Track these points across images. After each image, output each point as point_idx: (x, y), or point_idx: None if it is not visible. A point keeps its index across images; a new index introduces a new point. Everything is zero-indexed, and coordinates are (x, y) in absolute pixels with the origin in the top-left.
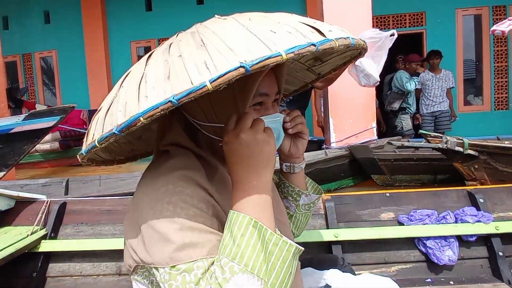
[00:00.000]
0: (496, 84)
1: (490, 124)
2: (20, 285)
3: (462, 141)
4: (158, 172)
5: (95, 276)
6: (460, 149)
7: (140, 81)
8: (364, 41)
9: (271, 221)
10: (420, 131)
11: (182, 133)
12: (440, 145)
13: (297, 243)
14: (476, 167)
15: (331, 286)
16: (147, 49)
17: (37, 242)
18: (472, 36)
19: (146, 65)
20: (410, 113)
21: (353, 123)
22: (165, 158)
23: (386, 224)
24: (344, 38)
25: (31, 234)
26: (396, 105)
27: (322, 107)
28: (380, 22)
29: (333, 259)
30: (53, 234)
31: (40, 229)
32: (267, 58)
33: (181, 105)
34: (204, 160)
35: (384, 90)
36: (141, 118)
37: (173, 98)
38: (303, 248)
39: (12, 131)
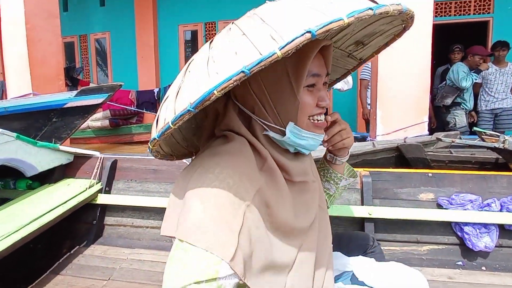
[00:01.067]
0: None
1: None
2: (83, 231)
3: None
4: (213, 153)
5: (144, 227)
6: None
7: (208, 62)
8: (412, 10)
9: None
10: (475, 128)
11: (237, 119)
12: (496, 145)
13: (330, 216)
14: None
15: (354, 274)
16: (194, 33)
17: (95, 195)
18: None
19: (210, 48)
20: (466, 109)
21: (402, 116)
22: (221, 141)
23: (423, 205)
24: (396, 4)
25: (89, 187)
26: (449, 100)
27: (369, 99)
28: (441, 9)
29: (363, 238)
30: (107, 188)
31: (97, 183)
32: (331, 22)
33: (236, 96)
34: (255, 149)
35: (435, 83)
36: (215, 92)
37: (245, 68)
38: None
39: (65, 106)
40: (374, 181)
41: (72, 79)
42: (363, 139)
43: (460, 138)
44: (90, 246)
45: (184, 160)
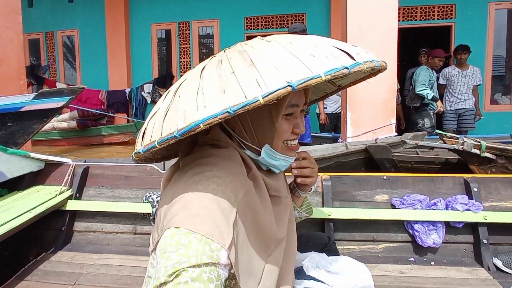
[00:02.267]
0: None
1: None
2: (51, 237)
3: (479, 143)
4: (206, 156)
5: (114, 233)
6: (477, 151)
7: (197, 92)
8: (385, 62)
9: None
10: (437, 130)
11: (223, 134)
12: (455, 146)
13: None
14: (494, 170)
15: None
16: (168, 32)
17: (64, 201)
18: (504, 32)
19: (201, 77)
20: (433, 110)
21: (371, 118)
22: (212, 147)
23: (379, 206)
24: (370, 61)
25: (59, 194)
26: (417, 101)
27: (331, 103)
28: (407, 13)
29: (321, 237)
30: (78, 194)
31: (67, 190)
32: (310, 79)
33: None
34: (242, 158)
35: (406, 84)
36: (201, 125)
37: (230, 109)
38: None
39: (22, 109)
40: (333, 184)
41: (37, 78)
42: (334, 140)
43: (423, 140)
44: (57, 253)
45: (154, 166)
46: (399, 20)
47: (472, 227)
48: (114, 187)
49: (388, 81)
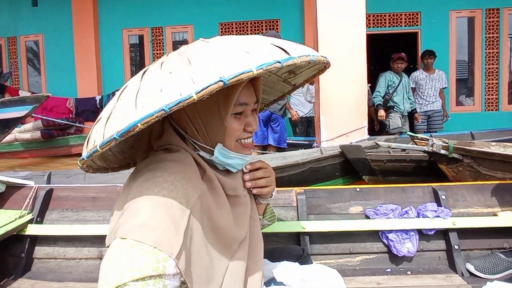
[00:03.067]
0: (487, 86)
1: (481, 124)
2: (10, 264)
3: (447, 144)
4: (157, 161)
5: (77, 260)
6: (445, 152)
7: (137, 94)
8: (325, 57)
9: None
10: (408, 133)
11: (176, 137)
12: (426, 148)
13: (268, 233)
14: (460, 169)
15: (275, 277)
16: (140, 38)
17: (24, 225)
18: (465, 38)
19: (141, 80)
20: (400, 111)
21: (344, 122)
22: (165, 152)
23: (354, 218)
24: (306, 55)
25: (19, 218)
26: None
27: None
28: (376, 20)
29: (295, 250)
30: (39, 218)
31: (28, 214)
32: (241, 74)
33: (172, 116)
34: (196, 161)
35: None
36: (139, 124)
37: (165, 107)
38: None
39: None
40: (308, 198)
41: None
42: (309, 145)
43: (395, 142)
44: (18, 280)
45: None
46: (369, 27)
47: (443, 234)
48: (80, 209)
49: (359, 85)
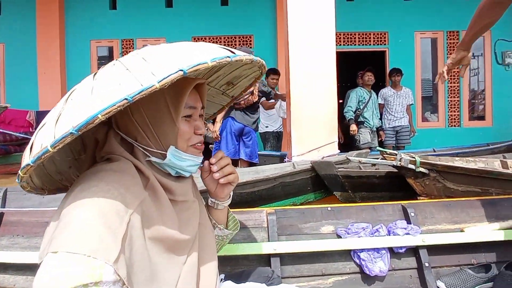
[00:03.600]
0: (449, 103)
1: (444, 139)
2: None
3: (414, 159)
4: (95, 171)
5: None
6: (413, 166)
7: (92, 91)
8: (261, 59)
9: None
10: (377, 148)
11: (119, 146)
12: (394, 162)
13: (238, 256)
14: (427, 183)
15: None
16: (110, 49)
17: None
18: (429, 57)
19: (94, 79)
20: (369, 127)
21: (315, 136)
22: (105, 162)
23: (325, 237)
24: (248, 55)
25: None
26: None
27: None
28: (347, 38)
29: (263, 272)
30: None
31: None
32: (198, 64)
33: (118, 125)
34: (139, 170)
35: (344, 104)
36: (100, 116)
37: (128, 96)
38: None
39: None
40: (279, 218)
41: None
42: (282, 157)
43: (366, 157)
44: None
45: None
46: (340, 44)
47: (413, 251)
48: (32, 236)
49: (329, 101)
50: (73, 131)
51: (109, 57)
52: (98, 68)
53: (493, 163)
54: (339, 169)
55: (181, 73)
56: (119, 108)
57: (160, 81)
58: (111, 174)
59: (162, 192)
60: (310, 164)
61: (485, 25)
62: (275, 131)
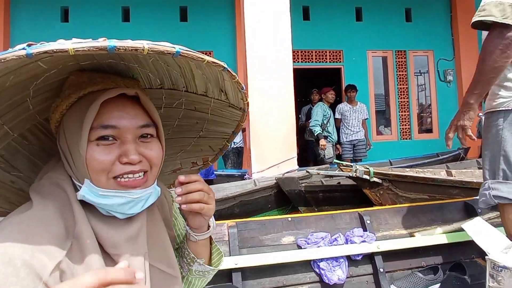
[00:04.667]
0: (400, 117)
1: (397, 151)
2: None
3: (368, 170)
4: (4, 223)
5: None
6: (367, 177)
7: None
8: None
9: None
10: (335, 160)
11: (57, 168)
12: (350, 174)
13: None
14: (381, 192)
15: None
16: None
17: None
18: (381, 74)
19: None
20: (332, 141)
21: (274, 153)
22: (22, 207)
23: (287, 248)
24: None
25: None
26: (314, 136)
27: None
28: (304, 56)
29: None
30: None
31: None
32: (51, 49)
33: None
34: (71, 210)
35: (301, 120)
36: None
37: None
38: None
39: None
40: (240, 231)
41: None
42: (242, 176)
43: (327, 170)
44: None
45: None
46: (297, 61)
47: (369, 258)
48: None
49: (287, 117)
50: None
51: None
52: None
53: (440, 173)
54: (303, 184)
55: (23, 53)
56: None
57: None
58: (16, 233)
59: (91, 240)
60: (271, 181)
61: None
62: (234, 147)
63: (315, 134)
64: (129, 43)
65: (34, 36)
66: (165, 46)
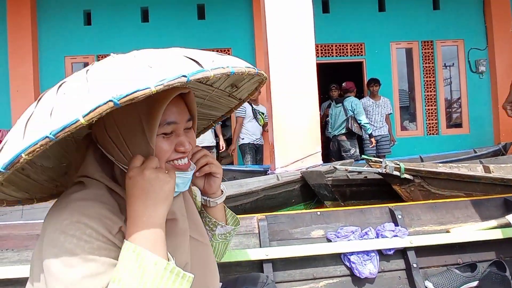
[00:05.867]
0: (427, 111)
1: (424, 147)
2: None
3: (399, 166)
4: (66, 202)
5: None
6: (397, 173)
7: (28, 120)
8: (252, 67)
9: (163, 250)
10: (363, 156)
11: (95, 165)
12: (379, 170)
13: (231, 262)
14: (412, 189)
15: None
16: (85, 65)
17: None
18: (405, 67)
19: (37, 104)
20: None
21: (298, 148)
22: (75, 189)
23: (316, 242)
24: (223, 67)
25: None
26: (360, 131)
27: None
28: (324, 50)
29: (257, 277)
30: None
31: None
32: (135, 92)
33: (98, 140)
34: (116, 193)
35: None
36: (23, 155)
37: (50, 134)
38: (189, 274)
39: None
40: (270, 224)
41: None
42: (265, 171)
43: (352, 166)
44: None
45: None
46: (317, 56)
47: (402, 253)
48: (23, 249)
49: (311, 112)
50: (1, 169)
51: None
52: None
53: (476, 168)
54: (329, 178)
55: (111, 104)
56: (42, 147)
57: (86, 115)
58: (80, 206)
59: None
60: (295, 176)
61: None
62: (251, 143)
63: (368, 132)
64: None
65: (60, 40)
66: (222, 67)
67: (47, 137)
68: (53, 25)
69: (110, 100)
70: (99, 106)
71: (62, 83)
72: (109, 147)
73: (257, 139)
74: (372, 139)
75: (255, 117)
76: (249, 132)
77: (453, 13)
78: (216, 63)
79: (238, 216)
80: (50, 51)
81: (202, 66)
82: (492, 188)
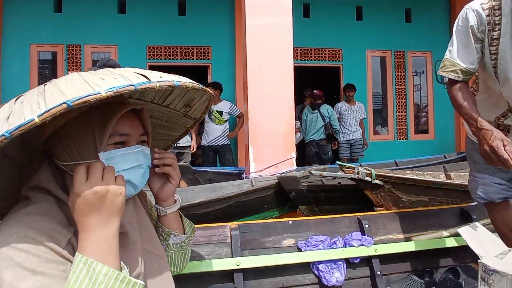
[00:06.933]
0: (398, 117)
1: (394, 151)
2: None
3: (370, 172)
4: (13, 218)
5: None
6: (369, 179)
7: None
8: (193, 83)
9: (115, 261)
10: (337, 162)
11: (48, 175)
12: (352, 176)
13: (202, 273)
14: (382, 194)
15: None
16: (53, 55)
17: None
18: (379, 74)
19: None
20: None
21: (273, 152)
22: (22, 205)
23: (287, 251)
24: (169, 81)
25: None
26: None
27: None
28: (303, 54)
29: None
30: None
31: None
32: (87, 96)
33: (49, 150)
34: (66, 204)
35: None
36: None
37: (6, 132)
38: (140, 282)
39: None
40: (242, 233)
41: None
42: (239, 174)
43: (326, 171)
44: None
45: None
46: (296, 59)
47: (367, 261)
48: None
49: (287, 117)
50: None
51: (53, 62)
52: (39, 73)
53: (439, 176)
54: (304, 184)
55: (65, 106)
56: None
57: (40, 115)
58: (29, 220)
59: None
60: (268, 181)
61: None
62: (209, 145)
63: (337, 137)
64: (146, 85)
65: (26, 26)
66: (167, 80)
67: (3, 135)
68: (20, 10)
69: (64, 102)
70: (53, 108)
71: (20, 96)
72: (62, 157)
73: (214, 139)
74: (336, 142)
75: (209, 116)
76: (207, 133)
77: (423, 26)
78: (163, 78)
79: (211, 224)
80: (14, 38)
81: (149, 80)
82: (452, 193)
